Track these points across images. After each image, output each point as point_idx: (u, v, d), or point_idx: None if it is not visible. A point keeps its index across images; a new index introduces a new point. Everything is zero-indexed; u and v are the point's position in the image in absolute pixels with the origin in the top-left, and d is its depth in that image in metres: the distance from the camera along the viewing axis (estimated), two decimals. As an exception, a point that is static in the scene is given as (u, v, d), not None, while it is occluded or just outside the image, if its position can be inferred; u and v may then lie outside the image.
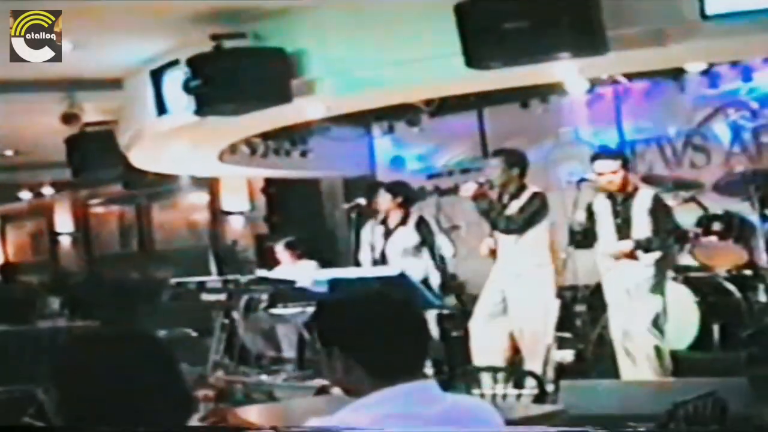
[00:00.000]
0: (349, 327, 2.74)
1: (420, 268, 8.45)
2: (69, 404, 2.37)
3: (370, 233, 9.28)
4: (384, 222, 8.79)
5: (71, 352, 2.47)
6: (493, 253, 7.92)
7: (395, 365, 2.71)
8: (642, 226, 7.33)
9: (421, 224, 8.64)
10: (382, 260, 8.68)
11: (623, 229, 7.37)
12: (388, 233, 8.73)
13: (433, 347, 8.00)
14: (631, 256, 7.31)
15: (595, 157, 7.67)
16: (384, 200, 8.75)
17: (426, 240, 8.56)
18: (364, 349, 2.71)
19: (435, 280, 8.48)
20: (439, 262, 8.53)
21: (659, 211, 7.36)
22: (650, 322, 7.25)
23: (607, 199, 7.47)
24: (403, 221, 8.68)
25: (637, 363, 7.24)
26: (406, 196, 8.89)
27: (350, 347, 2.72)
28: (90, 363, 2.39)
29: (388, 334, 2.72)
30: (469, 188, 7.87)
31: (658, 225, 7.31)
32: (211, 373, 9.69)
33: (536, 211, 7.78)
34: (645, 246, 7.29)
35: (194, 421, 2.54)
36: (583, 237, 7.53)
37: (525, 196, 7.82)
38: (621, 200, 7.41)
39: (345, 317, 2.78)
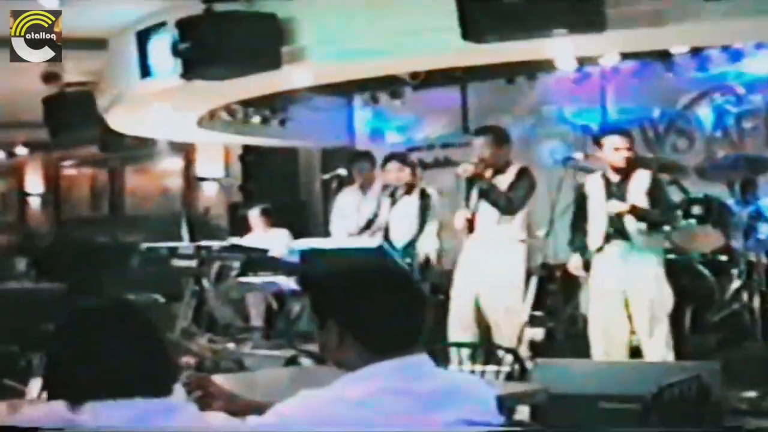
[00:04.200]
0: (347, 299, 2.67)
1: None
2: (59, 374, 2.46)
3: (348, 202, 9.24)
4: (392, 194, 8.73)
5: (61, 325, 2.51)
6: (469, 225, 7.85)
7: (392, 339, 2.65)
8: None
9: (423, 195, 8.59)
10: (367, 228, 8.64)
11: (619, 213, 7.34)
12: (393, 203, 8.66)
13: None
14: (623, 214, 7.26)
15: (606, 132, 7.61)
16: (391, 168, 8.66)
17: (425, 211, 8.51)
18: (360, 322, 2.65)
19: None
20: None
21: (657, 193, 7.31)
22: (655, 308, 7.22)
23: (601, 179, 7.43)
24: (409, 191, 8.63)
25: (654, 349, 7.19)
26: (413, 166, 8.87)
27: (346, 319, 2.66)
28: (77, 335, 2.46)
29: (387, 307, 2.66)
30: (467, 169, 7.76)
31: (656, 205, 7.27)
32: (179, 340, 9.63)
33: (529, 187, 7.74)
34: (641, 216, 7.24)
35: (179, 389, 2.55)
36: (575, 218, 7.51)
37: (512, 172, 7.79)
38: (619, 180, 7.35)
39: (342, 288, 2.71)
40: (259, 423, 2.59)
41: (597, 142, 7.48)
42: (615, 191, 7.32)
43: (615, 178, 7.34)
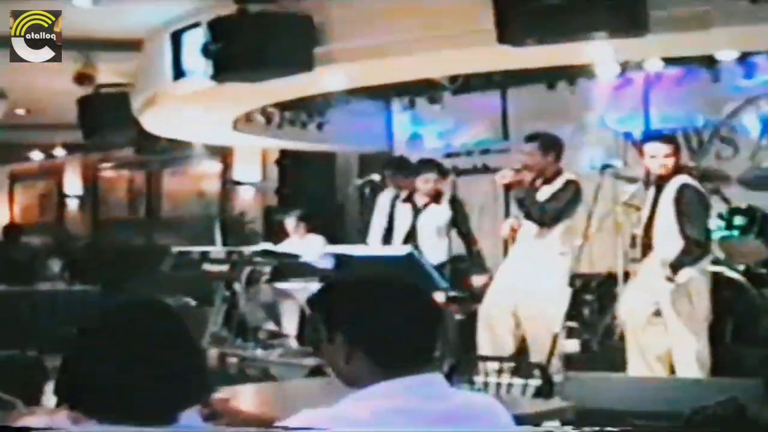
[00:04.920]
0: (355, 311, 2.49)
1: (446, 248, 8.30)
2: (71, 379, 2.23)
3: (386, 205, 9.12)
4: (409, 199, 8.59)
5: (92, 323, 2.30)
6: (513, 234, 7.69)
7: (403, 356, 2.47)
8: (663, 218, 7.04)
9: (455, 202, 8.49)
10: (410, 238, 8.51)
11: (650, 223, 7.11)
12: (417, 211, 8.55)
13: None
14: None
15: (646, 139, 7.42)
16: (429, 178, 8.53)
17: (458, 218, 8.41)
18: (369, 337, 2.46)
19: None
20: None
21: (682, 203, 7.03)
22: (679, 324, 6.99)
23: (645, 190, 7.21)
24: (436, 199, 8.49)
25: (685, 365, 6.96)
26: (444, 174, 8.81)
27: (354, 333, 2.47)
28: (109, 336, 2.25)
29: (398, 321, 2.47)
30: (505, 175, 7.58)
31: (684, 223, 6.98)
32: (208, 345, 9.54)
33: (570, 200, 7.50)
34: (677, 265, 6.95)
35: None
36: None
37: (559, 182, 7.56)
38: (655, 190, 7.12)
39: (351, 300, 2.53)
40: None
41: (639, 148, 7.28)
42: (652, 202, 7.11)
43: (653, 187, 7.13)
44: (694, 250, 6.99)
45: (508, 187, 7.66)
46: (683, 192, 7.02)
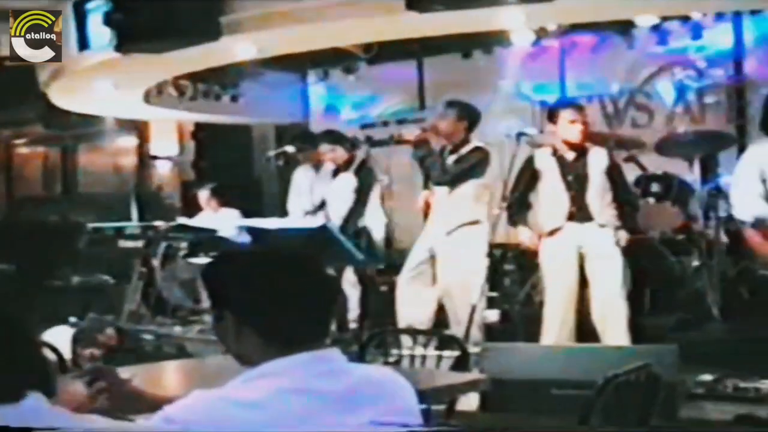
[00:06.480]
0: (241, 286, 2.39)
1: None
2: None
3: (302, 180, 9.04)
4: (318, 171, 8.56)
5: None
6: (427, 206, 7.65)
7: (293, 332, 2.37)
8: (598, 186, 7.04)
9: (362, 169, 8.45)
10: (321, 208, 8.45)
11: (574, 186, 7.05)
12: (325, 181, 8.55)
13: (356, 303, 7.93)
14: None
15: (563, 105, 7.43)
16: (325, 150, 8.59)
17: (364, 185, 8.35)
18: (257, 313, 2.37)
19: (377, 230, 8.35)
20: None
21: (616, 172, 7.18)
22: (619, 287, 7.00)
23: (553, 156, 7.16)
24: (345, 167, 8.47)
25: (607, 331, 6.96)
26: (349, 144, 8.80)
27: (241, 309, 2.38)
28: None
29: (288, 295, 2.38)
30: (411, 132, 7.58)
31: (616, 186, 7.09)
32: (125, 322, 9.37)
33: (474, 165, 7.50)
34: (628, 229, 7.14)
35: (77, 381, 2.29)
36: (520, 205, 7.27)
37: (465, 150, 7.54)
38: (574, 158, 7.10)
39: (236, 275, 2.42)
40: (144, 426, 2.34)
41: (551, 116, 7.22)
42: (572, 170, 7.07)
43: (570, 155, 7.10)
44: (633, 214, 7.26)
45: (415, 146, 7.64)
46: (615, 164, 7.18)
